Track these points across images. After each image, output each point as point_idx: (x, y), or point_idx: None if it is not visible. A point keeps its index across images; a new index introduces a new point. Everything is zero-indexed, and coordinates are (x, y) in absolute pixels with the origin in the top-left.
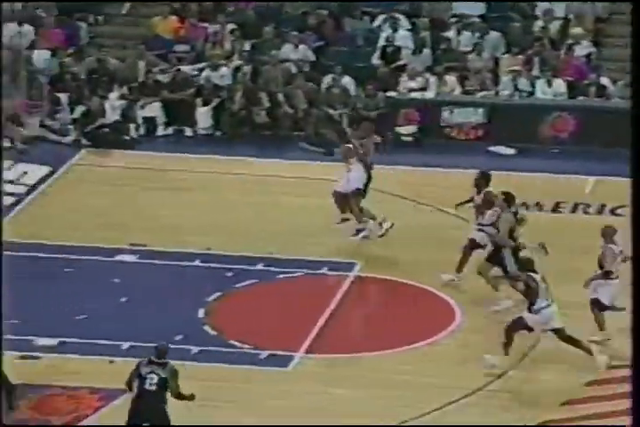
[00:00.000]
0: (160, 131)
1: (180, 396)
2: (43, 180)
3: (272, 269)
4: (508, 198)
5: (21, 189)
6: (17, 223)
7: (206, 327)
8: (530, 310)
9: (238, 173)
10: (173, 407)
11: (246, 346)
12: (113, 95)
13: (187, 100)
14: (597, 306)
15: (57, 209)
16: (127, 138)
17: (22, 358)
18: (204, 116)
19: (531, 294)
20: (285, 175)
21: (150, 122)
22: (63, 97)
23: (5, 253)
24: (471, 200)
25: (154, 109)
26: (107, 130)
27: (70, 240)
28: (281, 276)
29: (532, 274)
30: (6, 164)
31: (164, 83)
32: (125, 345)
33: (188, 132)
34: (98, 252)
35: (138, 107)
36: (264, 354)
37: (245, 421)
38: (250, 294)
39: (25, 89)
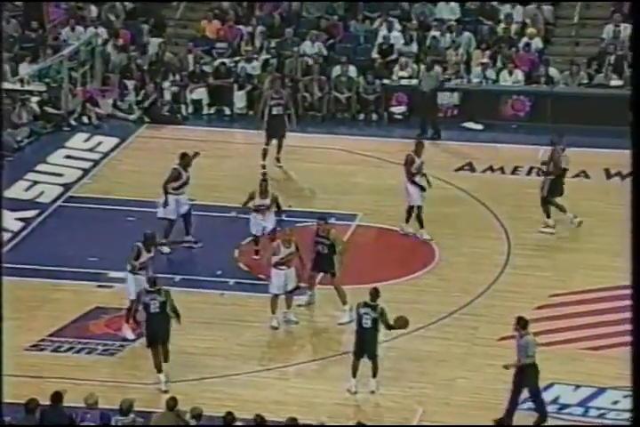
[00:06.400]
0: (205, 110)
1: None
2: (113, 148)
3: (292, 219)
4: None
5: (97, 156)
6: (95, 182)
7: (240, 264)
8: None
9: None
10: None
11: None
12: (166, 84)
13: (226, 86)
14: None
15: (124, 171)
16: (179, 116)
17: (99, 286)
18: (239, 98)
19: None
20: (302, 146)
21: (197, 103)
22: (130, 83)
23: (83, 205)
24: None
25: (200, 93)
26: (163, 109)
27: (135, 195)
28: (297, 224)
29: None
30: (84, 136)
31: (209, 72)
32: (177, 278)
33: (227, 111)
34: (154, 205)
35: (187, 91)
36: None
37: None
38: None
39: (100, 77)
